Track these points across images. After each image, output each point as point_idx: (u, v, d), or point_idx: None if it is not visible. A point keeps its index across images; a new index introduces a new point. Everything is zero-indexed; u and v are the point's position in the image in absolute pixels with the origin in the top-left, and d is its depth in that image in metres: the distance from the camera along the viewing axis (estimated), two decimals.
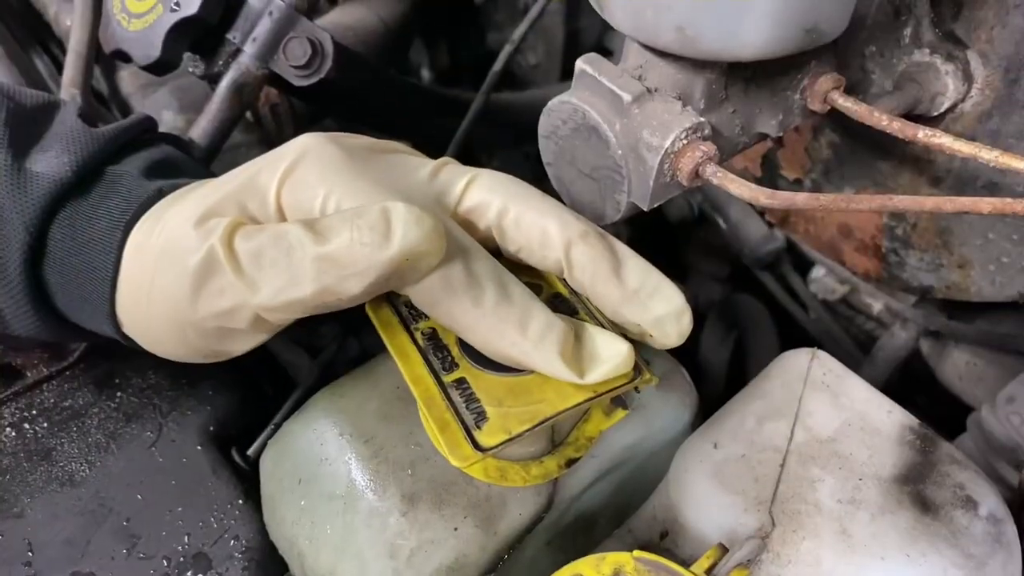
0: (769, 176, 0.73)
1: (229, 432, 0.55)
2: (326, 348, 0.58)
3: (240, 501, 0.51)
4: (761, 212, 0.97)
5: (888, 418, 0.48)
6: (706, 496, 0.46)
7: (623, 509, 0.52)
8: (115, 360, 0.56)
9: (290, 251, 0.35)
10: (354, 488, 0.42)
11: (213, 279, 0.36)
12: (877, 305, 1.05)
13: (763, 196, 0.41)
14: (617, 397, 0.42)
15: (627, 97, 0.42)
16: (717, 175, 0.42)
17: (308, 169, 0.39)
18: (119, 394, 0.55)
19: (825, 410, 0.48)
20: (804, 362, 0.51)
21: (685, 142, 0.42)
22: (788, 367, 0.51)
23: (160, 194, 0.41)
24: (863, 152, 0.62)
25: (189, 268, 0.36)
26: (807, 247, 1.01)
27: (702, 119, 0.42)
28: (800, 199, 0.41)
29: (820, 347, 1.03)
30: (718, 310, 1.08)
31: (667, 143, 0.41)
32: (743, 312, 1.03)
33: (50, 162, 0.41)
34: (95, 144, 0.43)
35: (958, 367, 0.87)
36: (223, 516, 0.50)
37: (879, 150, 0.61)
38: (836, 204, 0.41)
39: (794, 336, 1.03)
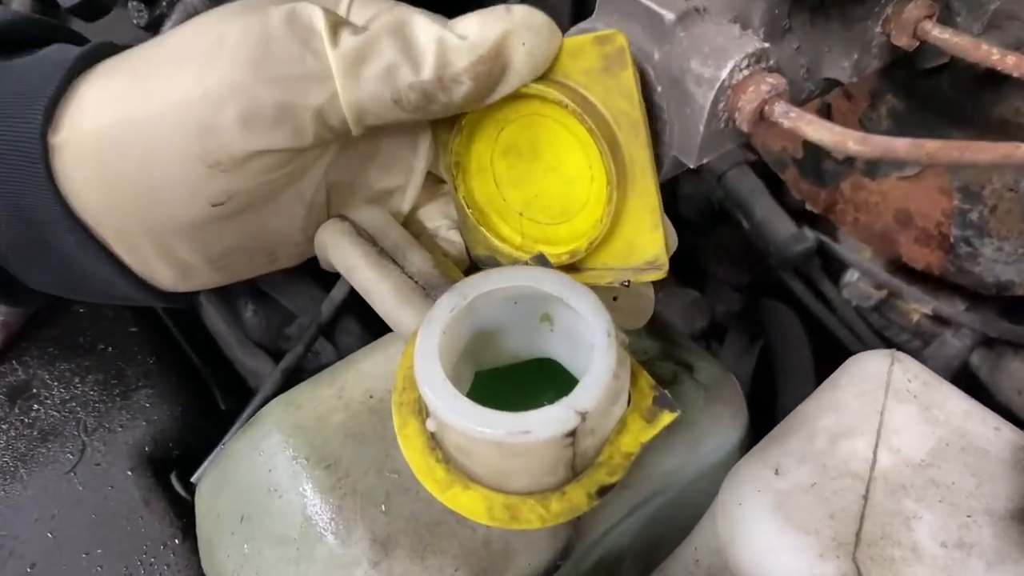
0: (812, 157, 0.65)
1: (169, 453, 0.47)
2: (291, 350, 0.48)
3: (177, 541, 0.43)
4: (794, 210, 0.89)
5: (996, 437, 0.39)
6: (768, 537, 0.37)
7: (652, 547, 0.44)
8: (34, 366, 0.48)
9: (401, 27, 0.34)
10: (311, 529, 0.34)
11: (296, 38, 0.33)
12: (916, 314, 0.96)
13: (852, 141, 0.31)
14: (661, 396, 0.32)
15: (670, 16, 0.33)
16: (789, 115, 0.32)
17: None
18: (35, 407, 0.48)
19: (914, 426, 0.40)
20: (882, 366, 0.42)
21: (746, 73, 0.32)
22: (862, 372, 0.42)
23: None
24: (932, 121, 0.53)
25: (273, 23, 0.33)
26: (839, 248, 0.92)
27: (767, 44, 0.33)
28: (901, 147, 0.31)
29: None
30: (740, 318, 0.99)
31: (724, 74, 0.32)
32: (770, 320, 0.93)
33: None
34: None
35: (1017, 380, 0.78)
36: (154, 560, 0.42)
37: (952, 118, 0.52)
38: (947, 154, 0.32)
39: (822, 347, 0.94)
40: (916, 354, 0.83)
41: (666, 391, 0.33)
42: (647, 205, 0.36)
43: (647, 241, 0.36)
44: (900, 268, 0.83)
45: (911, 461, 0.38)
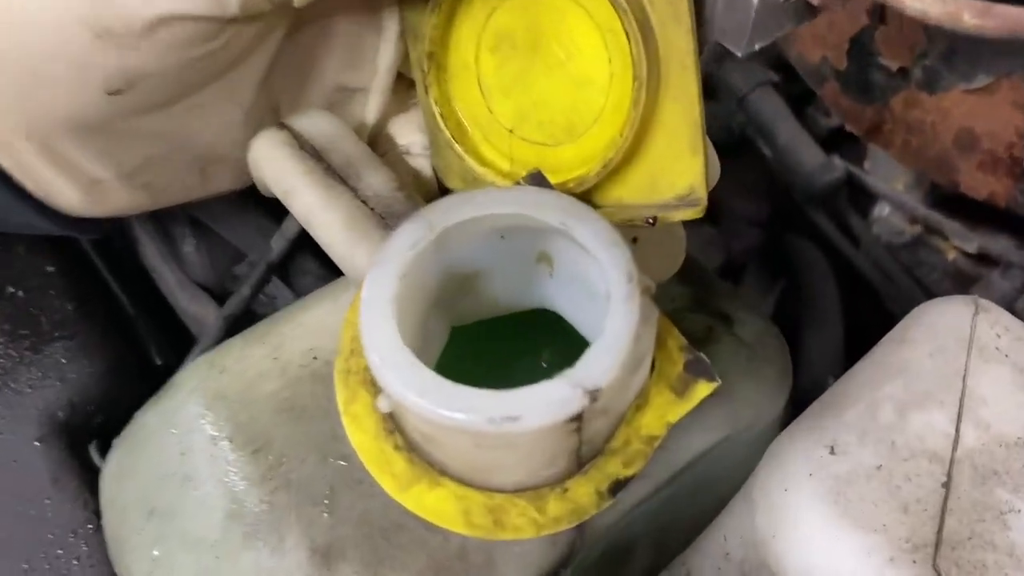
0: (858, 67, 0.57)
1: (89, 420, 0.40)
2: (236, 292, 0.40)
3: (91, 527, 0.36)
4: (820, 137, 0.82)
5: None
6: (823, 534, 0.31)
7: (668, 529, 0.37)
8: None
9: None
10: (234, 531, 0.27)
11: None
12: (952, 252, 0.90)
13: (968, 13, 0.24)
14: (696, 361, 0.24)
15: None
16: None
17: None
18: None
19: (1007, 394, 0.33)
20: (963, 317, 0.35)
21: None
22: (937, 325, 0.35)
23: None
24: None
25: None
26: (871, 179, 0.85)
27: None
28: None
29: (883, 301, 0.82)
30: (760, 256, 0.93)
31: None
32: (794, 258, 0.87)
33: None
34: None
35: None
36: (61, 552, 0.36)
37: None
38: None
39: (848, 288, 0.88)
40: None
41: (701, 354, 0.25)
42: (685, 115, 0.29)
43: (682, 167, 0.29)
44: (941, 202, 0.76)
45: (1004, 439, 0.32)
